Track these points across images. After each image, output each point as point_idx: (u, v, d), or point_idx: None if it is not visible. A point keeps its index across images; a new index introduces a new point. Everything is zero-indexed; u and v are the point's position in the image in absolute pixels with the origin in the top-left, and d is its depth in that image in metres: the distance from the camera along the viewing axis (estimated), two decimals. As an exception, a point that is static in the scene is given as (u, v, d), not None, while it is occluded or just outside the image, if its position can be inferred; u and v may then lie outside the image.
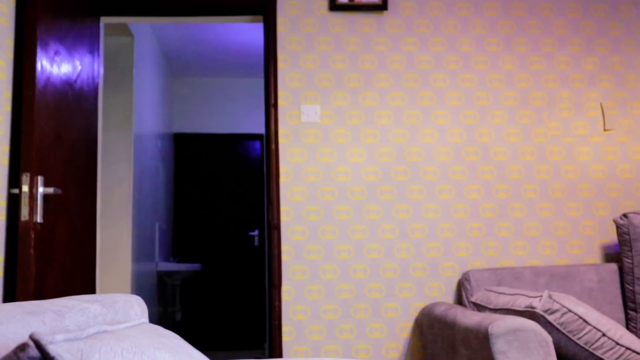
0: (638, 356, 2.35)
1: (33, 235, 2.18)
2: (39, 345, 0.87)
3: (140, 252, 4.51)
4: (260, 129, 6.54)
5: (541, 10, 3.42)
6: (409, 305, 3.13)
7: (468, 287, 3.00)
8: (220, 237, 6.43)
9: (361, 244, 3.16)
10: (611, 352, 2.34)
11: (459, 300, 3.14)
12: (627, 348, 2.35)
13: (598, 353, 2.33)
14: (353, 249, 3.15)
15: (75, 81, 2.69)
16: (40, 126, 2.27)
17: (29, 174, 2.20)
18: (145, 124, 4.72)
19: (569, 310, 2.32)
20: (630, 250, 2.96)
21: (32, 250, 2.17)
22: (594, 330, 2.33)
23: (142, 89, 4.58)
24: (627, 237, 2.97)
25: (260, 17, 3.39)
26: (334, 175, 3.20)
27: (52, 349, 0.88)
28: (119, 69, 4.17)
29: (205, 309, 6.30)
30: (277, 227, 3.12)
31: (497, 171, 3.27)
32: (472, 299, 2.84)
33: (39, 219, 2.21)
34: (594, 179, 3.32)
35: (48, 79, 2.37)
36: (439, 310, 2.80)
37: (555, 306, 2.31)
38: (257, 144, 6.64)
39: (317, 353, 3.05)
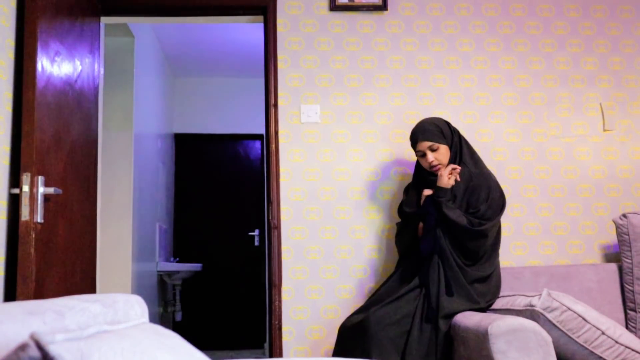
0: (637, 355, 2.35)
1: (33, 235, 2.18)
2: (39, 345, 0.88)
3: (141, 252, 4.51)
4: (260, 129, 6.52)
5: (541, 10, 3.42)
6: (408, 305, 3.13)
7: (468, 287, 3.00)
8: (220, 237, 6.43)
9: (361, 244, 3.16)
10: (610, 350, 2.34)
11: (459, 300, 3.14)
12: (627, 347, 2.36)
13: (597, 351, 2.33)
14: (353, 248, 3.15)
15: (76, 81, 2.69)
16: (40, 126, 2.27)
17: (29, 174, 2.20)
18: (145, 124, 4.72)
19: (568, 309, 2.32)
20: (630, 250, 2.96)
21: (32, 250, 2.17)
22: (593, 328, 2.33)
23: (142, 89, 4.59)
24: (626, 237, 2.97)
25: (260, 17, 3.39)
26: (334, 175, 3.20)
27: (52, 349, 0.88)
28: (119, 69, 4.17)
29: (206, 309, 6.30)
30: (277, 227, 3.13)
31: (497, 171, 3.27)
32: (472, 299, 2.84)
33: (39, 218, 2.21)
34: (593, 179, 3.32)
35: (48, 79, 2.37)
36: (438, 310, 2.79)
37: (555, 304, 2.32)
38: (257, 144, 6.64)
39: (317, 353, 3.05)
